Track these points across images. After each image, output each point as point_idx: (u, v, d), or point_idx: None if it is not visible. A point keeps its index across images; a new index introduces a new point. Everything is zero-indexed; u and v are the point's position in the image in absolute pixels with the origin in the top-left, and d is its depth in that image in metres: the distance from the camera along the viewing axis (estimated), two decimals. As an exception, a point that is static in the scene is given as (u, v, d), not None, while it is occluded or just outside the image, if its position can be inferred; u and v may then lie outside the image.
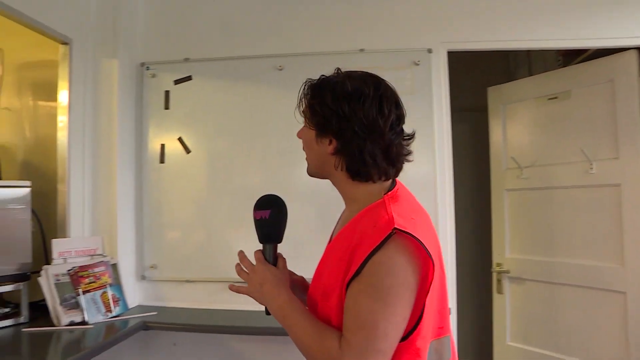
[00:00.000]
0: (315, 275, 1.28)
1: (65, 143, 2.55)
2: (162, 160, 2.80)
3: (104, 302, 2.39)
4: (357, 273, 1.11)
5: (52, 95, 2.60)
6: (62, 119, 2.55)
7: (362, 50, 2.72)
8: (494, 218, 3.27)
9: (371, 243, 1.11)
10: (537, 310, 2.97)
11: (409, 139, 1.28)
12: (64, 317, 2.20)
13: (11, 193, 2.27)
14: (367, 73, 1.27)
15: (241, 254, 1.33)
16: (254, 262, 1.33)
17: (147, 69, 2.80)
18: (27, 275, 2.29)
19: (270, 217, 1.34)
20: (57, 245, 2.40)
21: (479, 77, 3.56)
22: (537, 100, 3.00)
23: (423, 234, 1.13)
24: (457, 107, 2.80)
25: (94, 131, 2.67)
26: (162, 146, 2.80)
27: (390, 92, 1.24)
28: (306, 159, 1.34)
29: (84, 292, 2.32)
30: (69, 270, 2.33)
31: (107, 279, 2.47)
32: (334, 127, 1.21)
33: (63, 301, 2.25)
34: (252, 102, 2.73)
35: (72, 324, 2.20)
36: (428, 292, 1.13)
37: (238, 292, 1.33)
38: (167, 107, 2.79)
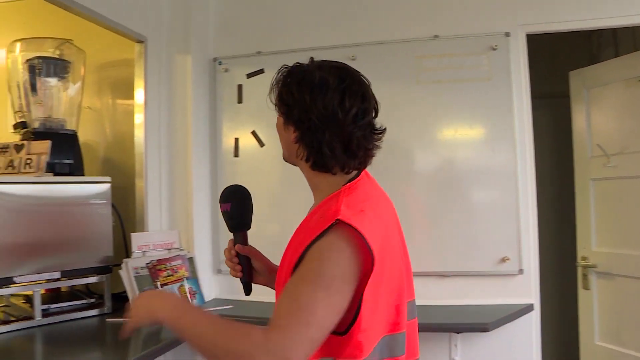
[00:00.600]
0: (283, 256, 1.26)
1: (142, 140, 2.62)
2: (236, 154, 2.82)
3: (181, 295, 2.44)
4: (300, 260, 1.11)
5: (129, 94, 2.68)
6: (139, 117, 2.63)
7: (436, 36, 2.63)
8: (579, 209, 3.09)
9: (315, 232, 1.11)
10: (630, 308, 2.78)
11: (379, 133, 1.26)
12: (144, 309, 2.25)
13: (93, 189, 2.34)
14: (340, 64, 1.26)
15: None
16: (228, 249, 1.44)
17: (220, 63, 2.82)
18: (109, 268, 2.36)
19: (232, 209, 1.41)
20: (136, 239, 2.46)
21: (559, 61, 3.38)
22: (625, 83, 2.80)
23: (373, 226, 1.12)
24: (536, 93, 2.66)
25: (169, 127, 2.73)
26: (236, 140, 2.81)
27: (358, 85, 1.22)
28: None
29: (162, 285, 2.37)
30: (147, 263, 2.38)
31: (184, 272, 2.51)
32: (295, 116, 1.20)
33: (143, 293, 2.30)
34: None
35: (151, 315, 2.24)
36: (366, 286, 1.08)
37: (131, 329, 1.28)
38: (240, 101, 2.81)
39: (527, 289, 2.52)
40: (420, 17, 2.66)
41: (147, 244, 2.49)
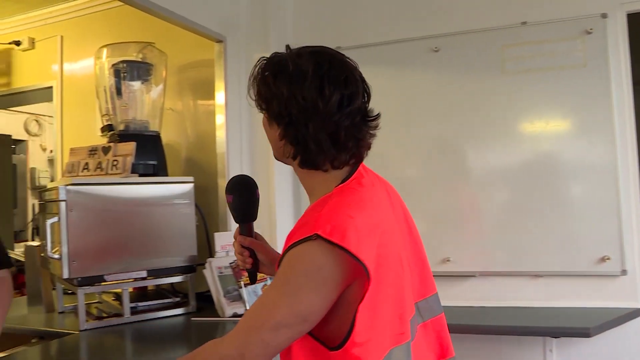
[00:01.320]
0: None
1: (223, 140, 2.64)
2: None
3: (264, 295, 2.42)
4: (280, 260, 1.05)
5: (210, 94, 2.70)
6: (220, 117, 2.65)
7: (524, 23, 2.48)
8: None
9: (295, 237, 1.03)
10: None
11: (372, 120, 1.14)
12: (227, 308, 2.25)
13: (177, 189, 2.36)
14: (318, 48, 1.14)
15: None
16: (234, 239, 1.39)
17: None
18: (193, 268, 2.38)
19: (234, 200, 1.38)
20: (219, 239, 2.46)
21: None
22: None
23: (363, 234, 1.01)
24: (638, 78, 2.45)
25: (250, 126, 2.73)
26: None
27: (339, 69, 1.09)
28: None
29: (246, 285, 2.36)
30: (230, 263, 2.38)
31: (266, 271, 2.49)
32: (275, 112, 1.11)
33: (226, 293, 2.30)
34: (406, 87, 2.62)
35: (235, 315, 2.24)
36: (362, 301, 1.00)
37: None
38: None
39: (632, 291, 2.32)
40: (506, 3, 2.52)
41: (230, 244, 2.49)
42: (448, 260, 2.54)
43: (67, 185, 2.06)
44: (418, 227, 1.25)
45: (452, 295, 2.53)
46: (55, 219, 2.06)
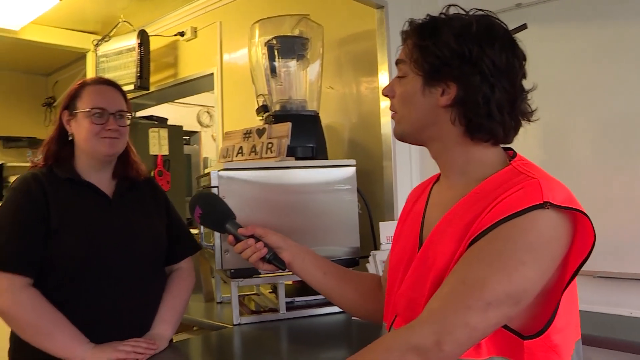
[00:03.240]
0: (413, 266, 1.07)
1: (389, 121, 2.34)
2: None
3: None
4: (482, 234, 0.93)
5: (372, 69, 2.45)
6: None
7: None
8: None
9: (510, 207, 0.92)
10: None
11: (527, 94, 1.06)
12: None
13: (337, 173, 2.12)
14: (488, 14, 1.06)
15: None
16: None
17: (473, 23, 2.42)
18: (356, 261, 2.13)
19: (203, 217, 1.42)
20: (385, 229, 2.19)
21: None
22: None
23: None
24: None
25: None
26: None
27: (515, 40, 1.05)
28: (397, 118, 1.12)
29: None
30: (397, 256, 2.10)
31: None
32: (455, 71, 1.01)
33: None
34: (608, 48, 2.11)
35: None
36: (572, 278, 0.95)
37: None
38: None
39: None
40: None
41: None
42: None
43: (219, 170, 1.92)
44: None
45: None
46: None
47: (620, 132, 2.05)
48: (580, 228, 0.95)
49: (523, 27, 2.26)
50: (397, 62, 1.11)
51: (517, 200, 0.93)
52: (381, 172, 2.38)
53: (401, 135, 1.14)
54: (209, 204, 1.45)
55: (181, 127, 4.94)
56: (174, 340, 1.79)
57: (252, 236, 1.35)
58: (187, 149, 5.83)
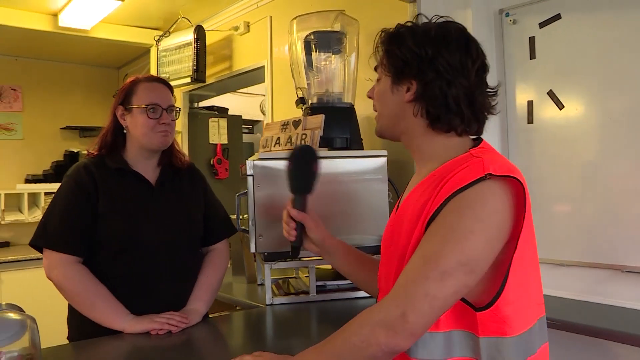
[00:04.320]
0: (383, 248, 1.24)
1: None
2: (530, 120, 2.38)
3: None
4: (435, 214, 1.04)
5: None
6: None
7: None
8: None
9: (457, 183, 1.04)
10: None
11: (493, 93, 1.19)
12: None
13: (369, 163, 2.21)
14: (450, 21, 1.20)
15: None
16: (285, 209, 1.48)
17: (507, 15, 2.41)
18: (386, 247, 2.22)
19: (291, 169, 1.44)
20: (414, 217, 2.26)
21: None
22: None
23: (522, 179, 1.04)
24: None
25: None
26: (530, 103, 2.38)
27: (474, 39, 1.18)
28: (376, 117, 1.28)
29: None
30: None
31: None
32: (415, 70, 1.14)
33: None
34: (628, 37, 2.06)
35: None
36: (516, 248, 1.02)
37: None
38: (532, 57, 2.35)
39: None
40: None
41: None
42: None
43: (255, 160, 2.05)
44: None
45: None
46: (243, 193, 2.08)
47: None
48: (525, 198, 1.04)
49: (556, 17, 2.27)
50: (375, 68, 1.27)
51: (462, 176, 1.04)
52: (412, 163, 2.42)
53: (379, 131, 1.29)
54: (297, 169, 1.47)
55: (240, 116, 5.15)
56: (210, 316, 1.95)
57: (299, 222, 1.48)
58: (249, 137, 6.05)
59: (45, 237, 1.73)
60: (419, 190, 1.15)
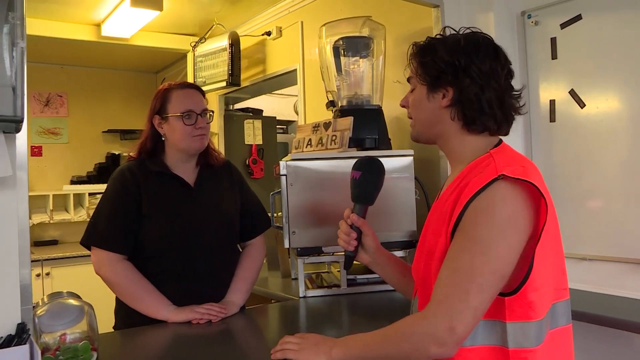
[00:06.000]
0: (419, 244, 1.33)
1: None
2: (552, 119, 2.46)
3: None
4: (458, 221, 1.13)
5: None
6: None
7: None
8: None
9: (473, 188, 1.13)
10: None
11: (518, 95, 1.28)
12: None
13: (396, 162, 2.31)
14: (476, 31, 1.30)
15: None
16: (344, 219, 1.53)
17: (529, 16, 2.49)
18: (412, 243, 2.32)
19: (360, 178, 1.48)
20: (440, 214, 2.36)
21: None
22: None
23: (537, 181, 1.11)
24: None
25: (474, 93, 2.54)
26: (552, 102, 2.45)
27: (501, 48, 1.28)
28: (412, 122, 1.38)
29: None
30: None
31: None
32: (450, 77, 1.23)
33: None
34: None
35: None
36: (539, 241, 1.10)
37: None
38: (554, 57, 2.43)
39: None
40: None
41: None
42: None
43: (288, 160, 2.18)
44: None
45: None
46: (277, 192, 2.21)
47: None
48: (542, 199, 1.11)
49: (577, 18, 2.34)
50: (408, 79, 1.37)
51: (478, 180, 1.14)
52: (438, 161, 2.53)
53: (416, 136, 1.38)
54: (366, 180, 1.52)
55: (274, 117, 5.29)
56: (247, 308, 2.09)
57: (358, 228, 1.54)
58: (284, 137, 6.17)
59: (95, 237, 1.89)
60: (448, 192, 1.24)
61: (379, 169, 1.51)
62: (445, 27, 1.33)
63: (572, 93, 2.37)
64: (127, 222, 1.89)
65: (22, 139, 1.28)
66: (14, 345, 1.19)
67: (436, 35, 1.32)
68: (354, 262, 1.58)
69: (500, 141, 1.30)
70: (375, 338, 1.20)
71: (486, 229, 1.09)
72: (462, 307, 1.07)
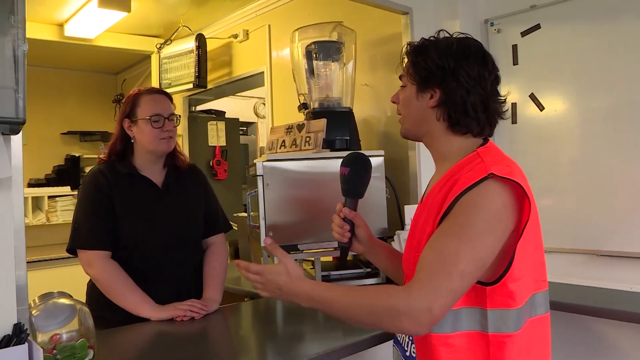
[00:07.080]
0: (408, 238, 1.38)
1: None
2: (514, 121, 2.60)
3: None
4: (447, 211, 1.19)
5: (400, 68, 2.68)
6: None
7: None
8: None
9: (463, 184, 1.18)
10: None
11: (503, 101, 1.34)
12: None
13: (367, 162, 2.40)
14: (469, 37, 1.34)
15: (241, 265, 1.38)
16: (337, 213, 1.56)
17: (492, 24, 2.63)
18: (384, 240, 2.40)
19: (349, 174, 1.52)
20: (410, 211, 2.45)
21: None
22: None
23: (521, 181, 1.17)
24: None
25: (441, 97, 2.66)
26: (513, 105, 2.59)
27: (490, 54, 1.33)
28: (400, 120, 1.43)
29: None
30: (420, 235, 2.36)
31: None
32: (439, 79, 1.29)
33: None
34: (616, 44, 2.28)
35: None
36: (521, 236, 1.17)
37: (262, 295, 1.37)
38: (515, 63, 2.57)
39: None
40: None
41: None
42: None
43: (264, 161, 2.24)
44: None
45: None
46: (253, 192, 2.26)
47: (629, 118, 2.25)
48: (525, 198, 1.18)
49: (536, 27, 2.48)
50: (400, 77, 1.42)
51: (469, 177, 1.19)
52: (407, 161, 2.63)
53: (405, 133, 1.44)
54: (355, 175, 1.54)
55: (237, 119, 5.31)
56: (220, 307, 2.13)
57: (351, 221, 1.57)
58: (244, 139, 6.19)
59: (80, 239, 1.95)
60: (437, 189, 1.29)
61: (366, 164, 1.56)
62: (440, 30, 1.38)
63: (532, 97, 2.52)
64: (106, 220, 1.95)
65: (17, 140, 1.30)
66: (13, 345, 1.21)
67: (430, 37, 1.36)
68: (348, 254, 1.64)
69: (487, 140, 1.35)
70: (349, 291, 1.22)
71: (475, 219, 1.15)
72: (444, 290, 1.11)
